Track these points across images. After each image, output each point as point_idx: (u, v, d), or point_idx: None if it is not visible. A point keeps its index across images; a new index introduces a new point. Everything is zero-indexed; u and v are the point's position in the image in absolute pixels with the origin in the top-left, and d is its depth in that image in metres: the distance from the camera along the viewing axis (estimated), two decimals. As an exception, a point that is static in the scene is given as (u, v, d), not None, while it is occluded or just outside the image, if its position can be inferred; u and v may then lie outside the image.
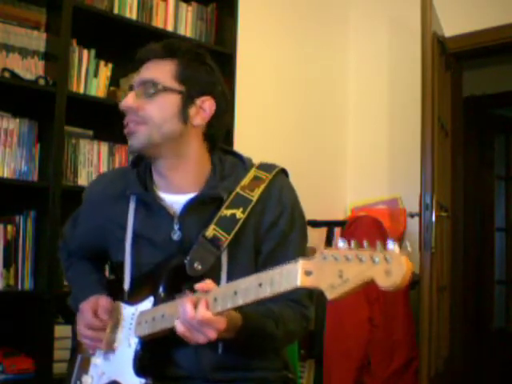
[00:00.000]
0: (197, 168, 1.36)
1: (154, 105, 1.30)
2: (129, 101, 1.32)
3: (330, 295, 0.91)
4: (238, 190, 1.33)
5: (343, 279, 0.89)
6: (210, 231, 1.28)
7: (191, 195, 1.34)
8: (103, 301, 1.34)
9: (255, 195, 1.32)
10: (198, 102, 1.33)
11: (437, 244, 2.87)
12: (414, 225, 3.24)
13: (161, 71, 1.32)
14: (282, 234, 1.34)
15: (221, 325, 1.11)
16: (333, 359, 2.95)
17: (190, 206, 1.33)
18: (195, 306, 1.10)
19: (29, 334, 2.33)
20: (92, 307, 1.34)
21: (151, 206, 1.36)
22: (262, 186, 1.34)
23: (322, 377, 2.96)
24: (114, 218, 1.41)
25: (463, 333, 3.63)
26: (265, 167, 1.39)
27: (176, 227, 1.32)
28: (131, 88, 1.35)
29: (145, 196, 1.36)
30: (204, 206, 1.33)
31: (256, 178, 1.35)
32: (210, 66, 1.37)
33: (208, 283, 1.14)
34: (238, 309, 1.19)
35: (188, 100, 1.32)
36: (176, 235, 1.32)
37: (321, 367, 2.97)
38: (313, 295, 1.37)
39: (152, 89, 1.30)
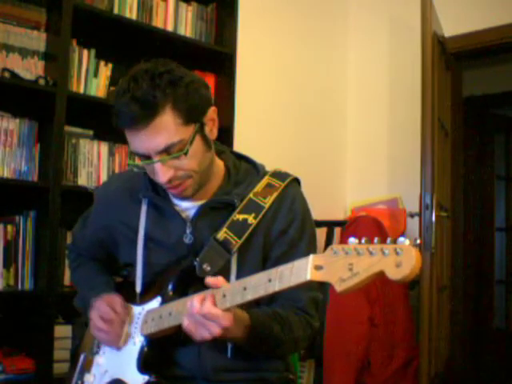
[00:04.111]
0: (213, 176, 1.37)
1: (188, 160, 1.25)
2: (166, 175, 1.25)
3: (338, 288, 0.92)
4: (250, 195, 1.34)
5: (353, 272, 0.90)
6: (222, 234, 1.30)
7: (204, 200, 1.35)
8: (117, 297, 1.36)
9: (268, 202, 1.33)
10: (207, 119, 1.30)
11: (437, 244, 2.87)
12: (414, 225, 3.24)
13: (171, 130, 1.21)
14: (290, 242, 1.35)
15: (226, 321, 1.12)
16: (333, 359, 2.94)
17: (202, 211, 1.34)
18: (202, 302, 1.12)
19: (29, 334, 2.33)
20: (107, 302, 1.35)
21: (163, 210, 1.37)
22: (275, 194, 1.35)
23: (322, 377, 2.96)
24: (125, 219, 1.41)
25: (463, 333, 3.63)
26: (278, 175, 1.39)
27: (188, 231, 1.33)
28: (145, 156, 1.25)
29: (158, 200, 1.36)
30: (216, 210, 1.34)
31: (269, 186, 1.36)
32: (189, 81, 1.25)
33: (219, 279, 1.15)
34: (246, 310, 1.20)
35: (202, 128, 1.28)
36: (188, 239, 1.33)
37: (321, 367, 2.97)
38: (319, 305, 1.38)
39: (179, 152, 1.23)
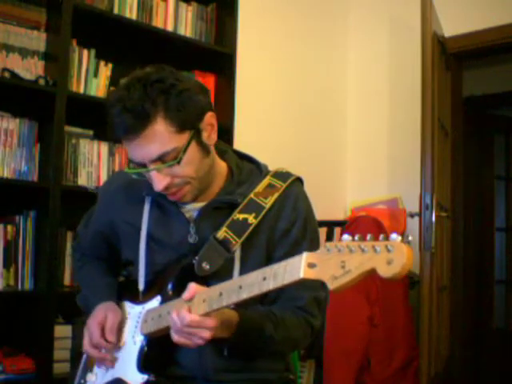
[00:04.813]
0: (214, 178, 1.37)
1: (183, 167, 1.25)
2: (162, 183, 1.25)
3: (331, 286, 0.92)
4: (251, 195, 1.34)
5: (345, 270, 0.90)
6: (221, 233, 1.30)
7: (207, 201, 1.35)
8: (110, 320, 1.35)
9: (268, 203, 1.33)
10: (204, 125, 1.29)
11: (437, 244, 2.87)
12: (414, 225, 3.24)
13: (163, 139, 1.21)
14: (293, 242, 1.35)
15: (210, 323, 1.13)
16: (333, 359, 2.94)
17: (205, 211, 1.34)
18: (179, 315, 1.14)
19: (29, 334, 2.33)
20: (100, 325, 1.35)
21: (167, 209, 1.37)
22: (276, 195, 1.35)
23: (322, 377, 2.96)
24: (127, 218, 1.42)
25: (463, 333, 3.63)
26: (280, 175, 1.39)
27: (192, 231, 1.34)
28: (141, 164, 1.26)
29: (161, 199, 1.36)
30: (219, 210, 1.34)
31: (270, 186, 1.36)
32: (183, 88, 1.23)
33: (193, 288, 1.16)
34: (237, 309, 1.20)
35: (198, 135, 1.27)
36: (192, 238, 1.34)
37: (321, 367, 2.97)
38: (321, 305, 1.37)
39: (172, 160, 1.23)
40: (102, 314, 1.37)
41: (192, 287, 1.16)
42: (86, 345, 1.36)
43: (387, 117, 3.72)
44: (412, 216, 3.28)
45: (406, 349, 3.06)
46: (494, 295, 4.64)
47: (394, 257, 0.86)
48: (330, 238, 3.30)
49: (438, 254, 2.98)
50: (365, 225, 3.18)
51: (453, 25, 3.25)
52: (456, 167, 3.48)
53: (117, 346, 1.35)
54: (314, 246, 1.38)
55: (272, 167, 1.45)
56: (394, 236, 0.88)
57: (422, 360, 2.81)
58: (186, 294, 1.16)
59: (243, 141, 2.90)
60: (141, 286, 1.37)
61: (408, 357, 3.05)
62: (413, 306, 3.11)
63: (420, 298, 2.82)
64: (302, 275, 0.97)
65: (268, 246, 1.35)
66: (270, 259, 1.34)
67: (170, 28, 2.80)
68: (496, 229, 4.71)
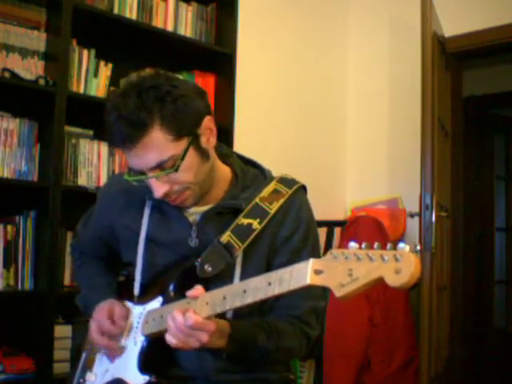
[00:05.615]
0: (216, 182, 1.36)
1: (181, 174, 1.24)
2: (161, 190, 1.25)
3: (338, 293, 0.91)
4: (257, 200, 1.33)
5: (353, 277, 0.90)
6: (225, 237, 1.29)
7: (211, 205, 1.35)
8: (118, 309, 1.36)
9: (273, 208, 1.33)
10: (202, 130, 1.27)
11: (437, 244, 2.87)
12: (414, 225, 3.24)
13: (161, 148, 1.20)
14: (294, 250, 1.35)
15: (211, 326, 1.13)
16: (333, 359, 2.95)
17: (208, 215, 1.34)
18: (184, 314, 1.13)
19: (29, 334, 2.33)
20: (108, 315, 1.35)
21: (168, 212, 1.36)
22: (281, 201, 1.34)
23: (322, 377, 2.96)
24: (126, 221, 1.41)
25: (463, 333, 3.63)
26: (285, 181, 1.39)
27: (193, 235, 1.33)
28: (140, 172, 1.25)
29: (163, 203, 1.35)
30: (223, 215, 1.34)
31: (275, 192, 1.35)
32: (178, 95, 1.22)
33: (198, 289, 1.16)
34: (228, 319, 1.22)
35: (196, 140, 1.26)
36: (193, 242, 1.33)
37: (321, 367, 2.97)
38: (319, 315, 1.37)
39: (170, 168, 1.22)
40: (109, 306, 1.37)
41: (198, 287, 1.17)
42: (94, 333, 1.35)
43: (387, 117, 3.72)
44: (412, 216, 3.29)
45: (405, 349, 3.06)
46: (493, 295, 4.64)
47: (403, 266, 0.85)
48: (330, 238, 3.30)
49: (438, 254, 2.97)
50: (365, 225, 3.18)
51: (453, 25, 3.25)
52: (456, 167, 3.48)
53: (123, 335, 1.35)
54: (314, 255, 1.37)
55: (272, 167, 1.45)
56: (401, 245, 0.87)
57: (421, 360, 2.80)
58: (191, 292, 1.16)
59: (243, 141, 2.90)
60: (136, 290, 1.37)
61: (408, 357, 3.05)
62: (413, 306, 3.11)
63: (420, 298, 2.82)
64: (308, 281, 0.96)
65: (269, 252, 1.34)
66: (269, 266, 1.33)
67: (169, 28, 2.80)
68: (496, 229, 4.71)
